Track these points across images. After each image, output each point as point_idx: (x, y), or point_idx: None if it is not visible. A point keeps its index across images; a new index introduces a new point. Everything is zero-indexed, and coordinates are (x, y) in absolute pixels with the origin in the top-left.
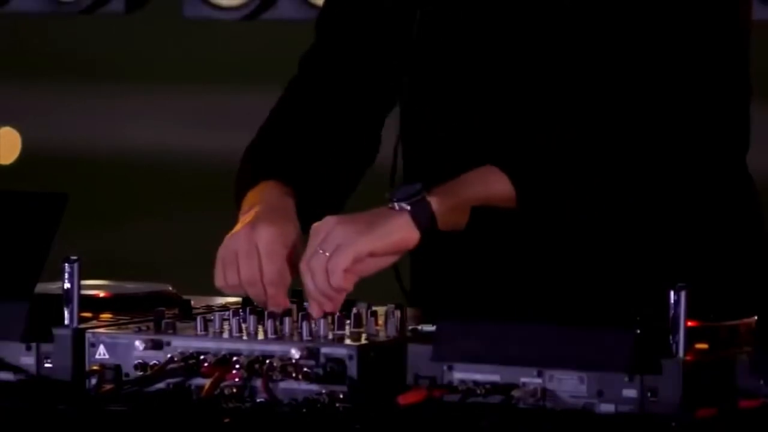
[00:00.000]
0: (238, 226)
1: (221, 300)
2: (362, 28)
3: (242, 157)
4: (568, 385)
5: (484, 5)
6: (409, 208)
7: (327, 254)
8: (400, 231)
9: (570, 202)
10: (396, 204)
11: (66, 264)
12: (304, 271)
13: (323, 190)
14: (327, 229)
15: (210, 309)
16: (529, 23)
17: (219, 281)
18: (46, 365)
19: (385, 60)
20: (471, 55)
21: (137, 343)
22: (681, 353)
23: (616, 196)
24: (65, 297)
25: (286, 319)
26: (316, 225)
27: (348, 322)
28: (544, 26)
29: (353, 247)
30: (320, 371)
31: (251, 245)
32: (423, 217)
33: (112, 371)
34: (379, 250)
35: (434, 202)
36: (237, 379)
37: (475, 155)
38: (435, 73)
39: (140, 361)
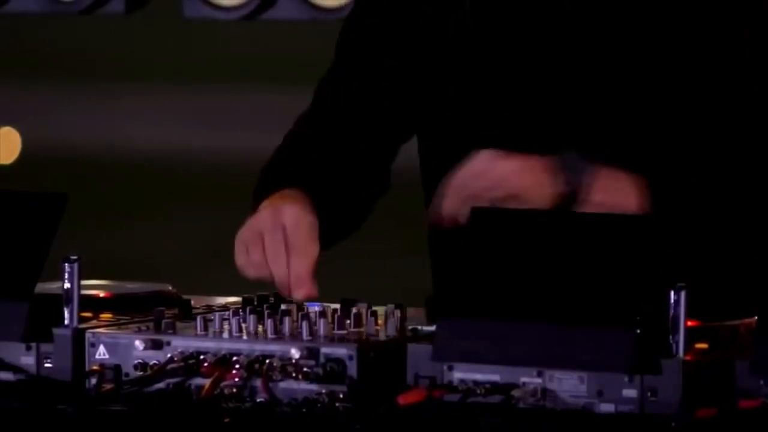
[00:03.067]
0: (260, 208)
1: (221, 300)
2: (380, 56)
3: (261, 173)
4: (568, 385)
5: (514, 23)
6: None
7: (500, 195)
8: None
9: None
10: (564, 172)
11: (66, 264)
12: (461, 187)
13: (338, 208)
14: (506, 173)
15: (210, 309)
16: (550, 50)
17: (240, 259)
18: (46, 365)
19: (403, 89)
20: (494, 69)
21: (137, 343)
22: (681, 353)
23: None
24: (65, 297)
25: (286, 319)
26: (491, 156)
27: (348, 322)
28: (560, 48)
29: (528, 200)
30: (320, 371)
31: (276, 222)
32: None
33: (112, 371)
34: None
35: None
36: (237, 379)
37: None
38: (455, 84)
39: (140, 361)
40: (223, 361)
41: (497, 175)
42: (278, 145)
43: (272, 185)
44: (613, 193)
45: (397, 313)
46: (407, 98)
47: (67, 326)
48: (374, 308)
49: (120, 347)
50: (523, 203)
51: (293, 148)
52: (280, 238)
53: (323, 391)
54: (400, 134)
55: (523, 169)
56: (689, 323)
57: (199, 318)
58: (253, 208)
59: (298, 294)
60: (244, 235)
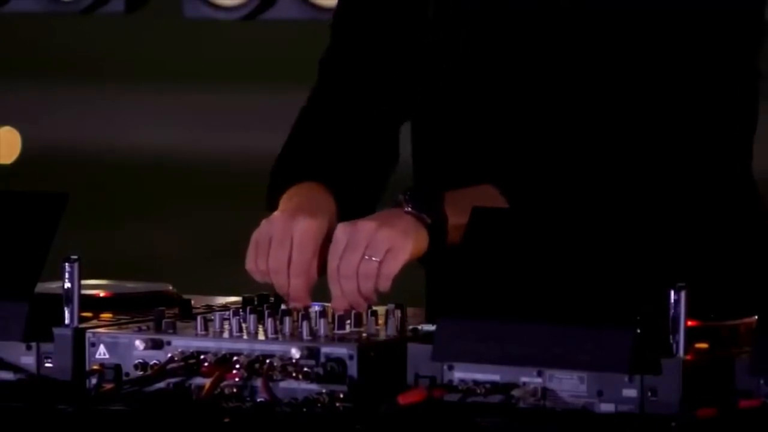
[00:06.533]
0: (276, 212)
1: (221, 300)
2: (378, 30)
3: (273, 167)
4: (568, 385)
5: (504, 23)
6: (429, 221)
7: (376, 260)
8: (424, 238)
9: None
10: (413, 210)
11: (66, 264)
12: (346, 276)
13: (358, 192)
14: (368, 233)
15: (210, 309)
16: (546, 48)
17: (249, 264)
18: (46, 365)
19: (401, 61)
20: (486, 68)
21: (137, 342)
22: (681, 353)
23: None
24: (65, 297)
25: (286, 319)
26: (345, 229)
27: (348, 322)
28: (561, 52)
29: (405, 251)
30: (320, 371)
31: (286, 233)
32: (439, 231)
33: (112, 371)
34: (417, 256)
35: (450, 217)
36: (237, 379)
37: (479, 162)
38: (449, 81)
39: (140, 360)
40: (224, 361)
41: (365, 237)
42: (291, 132)
43: (291, 176)
44: (465, 212)
45: (397, 313)
46: (405, 74)
47: (67, 326)
48: (374, 308)
49: (120, 347)
50: (397, 254)
51: (307, 134)
52: (285, 252)
53: (323, 391)
54: (404, 107)
55: (382, 224)
56: (689, 323)
57: (199, 318)
58: (269, 199)
59: (294, 306)
60: (256, 238)
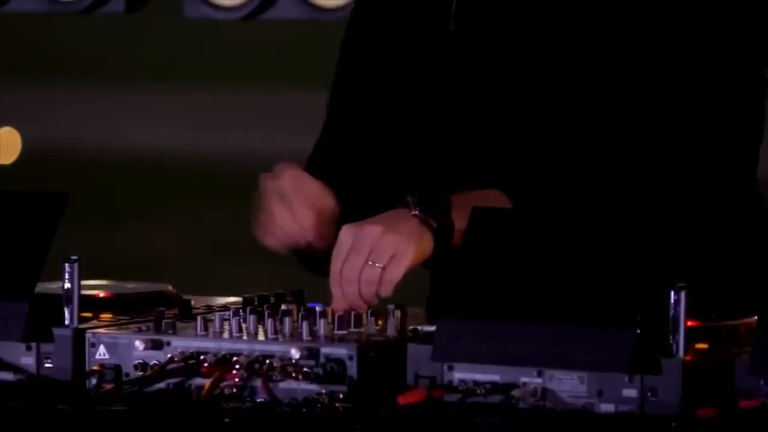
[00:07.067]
0: None
1: (221, 300)
2: (379, 72)
3: None
4: (568, 385)
5: (506, 25)
6: (436, 225)
7: (379, 266)
8: (430, 242)
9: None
10: (421, 214)
11: (66, 264)
12: (349, 280)
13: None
14: (373, 238)
15: (210, 309)
16: (549, 49)
17: (259, 233)
18: (46, 365)
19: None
20: (488, 69)
21: (137, 343)
22: (681, 353)
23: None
24: (65, 297)
25: (286, 320)
26: (350, 231)
27: (348, 322)
28: (564, 53)
29: (408, 258)
30: (320, 371)
31: (281, 192)
32: (445, 236)
33: (112, 371)
34: (421, 260)
35: (455, 222)
36: (237, 379)
37: (483, 164)
38: (451, 82)
39: (140, 361)
40: (223, 361)
41: (370, 241)
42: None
43: None
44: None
45: (397, 313)
46: (408, 113)
47: (67, 326)
48: (374, 308)
49: (120, 347)
50: (401, 260)
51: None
52: (278, 199)
53: (323, 391)
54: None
55: (387, 228)
56: (689, 323)
57: (199, 318)
58: None
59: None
60: (259, 213)
